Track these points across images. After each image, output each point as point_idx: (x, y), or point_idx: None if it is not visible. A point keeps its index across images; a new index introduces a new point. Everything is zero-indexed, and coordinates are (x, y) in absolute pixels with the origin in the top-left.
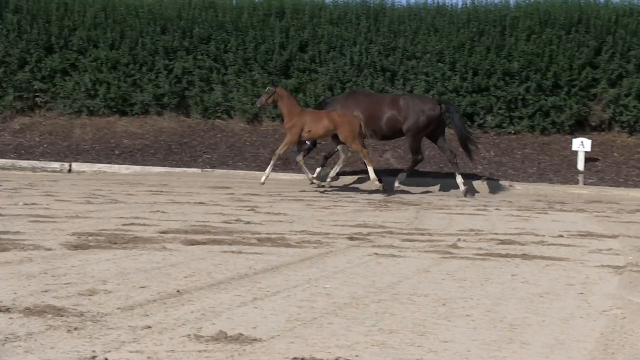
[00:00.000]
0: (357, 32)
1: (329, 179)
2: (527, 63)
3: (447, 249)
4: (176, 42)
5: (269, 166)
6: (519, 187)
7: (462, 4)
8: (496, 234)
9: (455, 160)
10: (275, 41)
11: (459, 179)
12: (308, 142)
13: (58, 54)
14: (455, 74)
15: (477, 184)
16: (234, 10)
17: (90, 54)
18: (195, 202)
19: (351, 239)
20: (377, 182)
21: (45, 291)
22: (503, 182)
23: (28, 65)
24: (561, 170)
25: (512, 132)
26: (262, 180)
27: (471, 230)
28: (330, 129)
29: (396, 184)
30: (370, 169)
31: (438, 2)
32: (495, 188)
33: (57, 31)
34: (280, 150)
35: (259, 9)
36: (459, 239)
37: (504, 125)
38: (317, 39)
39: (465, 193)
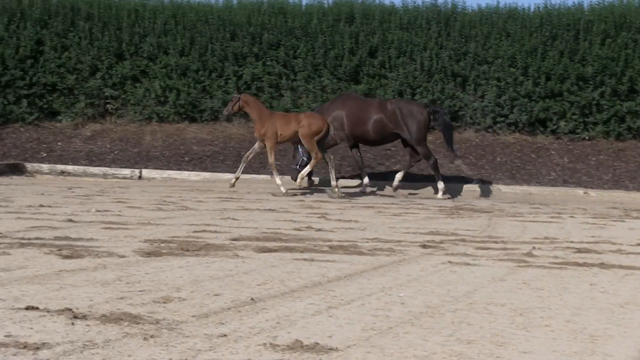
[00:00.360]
0: (427, 37)
1: (334, 188)
2: (601, 67)
3: (522, 257)
4: (245, 48)
5: (276, 177)
6: (593, 194)
7: (535, 8)
8: (572, 242)
9: (411, 165)
10: (344, 46)
11: (396, 181)
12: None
13: (129, 61)
14: (528, 79)
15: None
16: (304, 15)
17: (160, 60)
18: (265, 209)
19: (424, 246)
20: (302, 183)
21: (121, 298)
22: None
23: (99, 72)
24: (637, 177)
25: (586, 138)
26: (282, 190)
27: (546, 238)
28: (297, 130)
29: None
30: (305, 170)
31: (510, 6)
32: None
33: (127, 38)
34: (271, 159)
35: (329, 14)
36: (533, 247)
37: (578, 131)
38: (387, 44)
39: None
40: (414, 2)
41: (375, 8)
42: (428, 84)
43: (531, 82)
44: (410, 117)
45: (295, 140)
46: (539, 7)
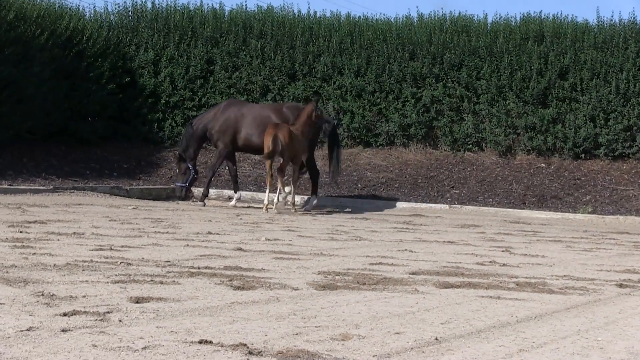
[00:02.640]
0: (624, 57)
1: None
2: None
3: None
4: (425, 69)
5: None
6: None
7: None
8: None
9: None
10: (532, 67)
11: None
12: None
13: (301, 82)
14: None
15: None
16: (489, 34)
17: (334, 81)
18: (444, 241)
19: (620, 286)
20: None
21: (297, 334)
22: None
23: (270, 93)
24: None
25: None
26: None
27: None
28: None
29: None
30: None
31: None
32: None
33: (301, 57)
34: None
35: (516, 33)
36: None
37: None
38: (579, 65)
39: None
40: (611, 20)
41: (567, 26)
42: (624, 108)
43: None
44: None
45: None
46: None
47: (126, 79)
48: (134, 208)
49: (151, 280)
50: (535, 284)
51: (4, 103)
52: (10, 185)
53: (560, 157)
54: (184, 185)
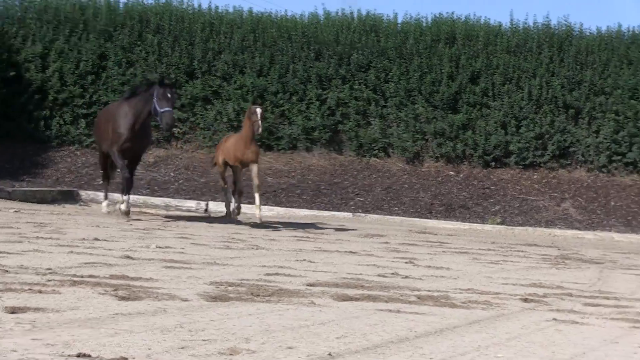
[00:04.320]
0: (537, 62)
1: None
2: None
3: (638, 316)
4: (331, 69)
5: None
6: None
7: None
8: None
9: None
10: (443, 70)
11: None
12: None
13: (200, 80)
14: None
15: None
16: (398, 35)
17: (235, 80)
18: (345, 251)
19: (525, 300)
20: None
21: (182, 347)
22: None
23: None
24: None
25: None
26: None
27: None
28: None
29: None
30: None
31: (634, 30)
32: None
33: (200, 54)
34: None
35: (427, 34)
36: None
37: None
38: (491, 69)
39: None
40: (525, 23)
41: (479, 28)
42: (536, 115)
43: None
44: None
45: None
46: None
47: (11, 73)
48: (15, 211)
49: (29, 289)
50: (438, 298)
51: None
52: None
53: (469, 165)
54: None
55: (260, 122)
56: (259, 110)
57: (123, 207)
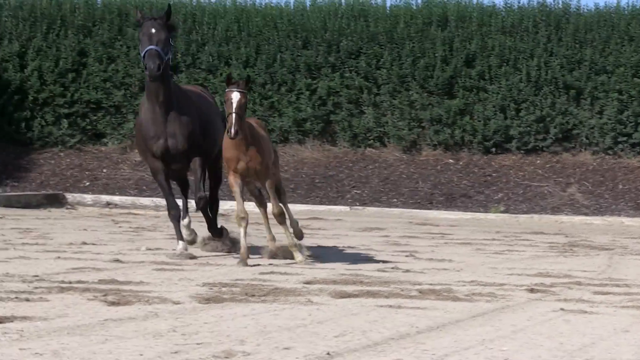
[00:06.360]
0: (534, 42)
1: None
2: None
3: None
4: (320, 58)
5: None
6: None
7: None
8: None
9: None
10: (436, 55)
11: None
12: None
13: (184, 74)
14: None
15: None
16: (388, 19)
17: (220, 72)
18: (343, 247)
19: (531, 291)
20: None
21: (175, 352)
22: None
23: None
24: None
25: None
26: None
27: None
28: None
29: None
30: None
31: (633, 5)
32: None
33: (183, 47)
34: None
35: (418, 17)
36: None
37: None
38: (486, 52)
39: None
40: (519, 2)
41: (472, 9)
42: (535, 97)
43: None
44: None
45: None
46: None
47: None
48: None
49: (16, 298)
50: (440, 291)
51: None
52: None
53: (469, 152)
54: None
55: (235, 115)
56: (234, 97)
57: None
